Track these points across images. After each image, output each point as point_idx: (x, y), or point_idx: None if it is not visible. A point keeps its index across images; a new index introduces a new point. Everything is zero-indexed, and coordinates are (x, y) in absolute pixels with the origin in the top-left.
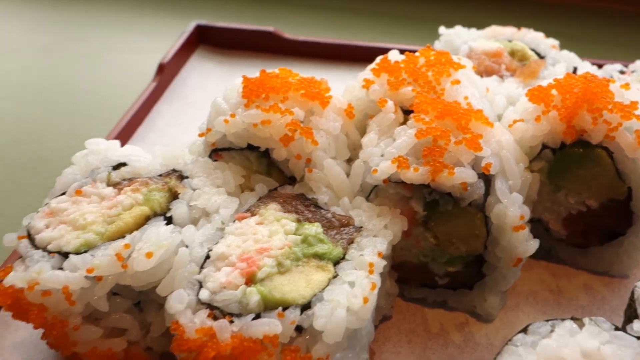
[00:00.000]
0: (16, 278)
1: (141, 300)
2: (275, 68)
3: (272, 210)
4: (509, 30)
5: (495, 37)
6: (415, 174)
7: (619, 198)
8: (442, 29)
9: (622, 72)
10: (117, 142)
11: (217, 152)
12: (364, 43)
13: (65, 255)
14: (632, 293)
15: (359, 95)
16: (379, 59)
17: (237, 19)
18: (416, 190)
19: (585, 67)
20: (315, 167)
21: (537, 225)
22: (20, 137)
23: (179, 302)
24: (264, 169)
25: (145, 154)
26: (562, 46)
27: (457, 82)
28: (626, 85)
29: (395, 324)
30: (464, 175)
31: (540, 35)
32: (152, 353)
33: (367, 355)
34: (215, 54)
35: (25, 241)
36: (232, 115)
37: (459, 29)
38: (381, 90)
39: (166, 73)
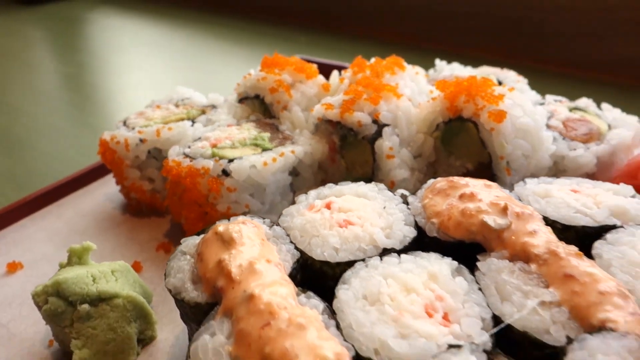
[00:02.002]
0: (106, 135)
1: None
2: None
3: (249, 125)
4: (494, 70)
5: (483, 73)
6: (331, 112)
7: (485, 162)
8: (437, 61)
9: (558, 101)
10: (191, 89)
11: (242, 100)
12: None
13: (133, 128)
14: None
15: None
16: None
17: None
18: (335, 127)
19: (531, 95)
20: (288, 110)
21: None
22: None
23: (173, 151)
24: (263, 111)
25: (202, 97)
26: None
27: (394, 73)
28: (511, 88)
29: None
30: (360, 116)
31: (513, 73)
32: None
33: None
34: None
35: (121, 123)
36: (249, 75)
37: (454, 64)
38: (348, 76)
39: None
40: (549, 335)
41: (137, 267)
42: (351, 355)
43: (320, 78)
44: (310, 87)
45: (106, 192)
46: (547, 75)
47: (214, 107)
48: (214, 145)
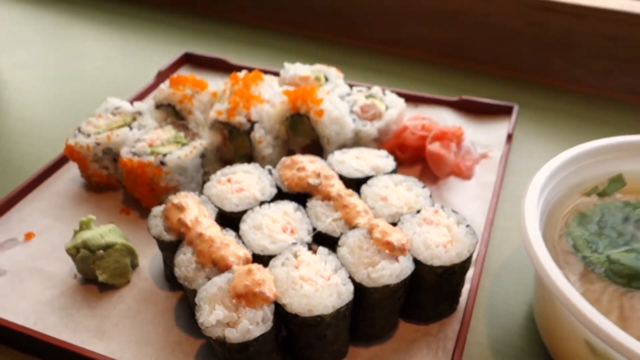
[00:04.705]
0: (71, 141)
1: (116, 158)
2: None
3: (169, 127)
4: (323, 67)
5: (316, 70)
6: (221, 117)
7: (315, 139)
8: (285, 64)
9: (360, 91)
10: (119, 100)
11: (158, 107)
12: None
13: (89, 135)
14: None
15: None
16: (241, 74)
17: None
18: (225, 126)
19: (344, 88)
20: (191, 114)
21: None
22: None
23: (124, 151)
24: (175, 114)
25: (129, 104)
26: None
27: (257, 84)
28: (328, 92)
29: None
30: (239, 119)
31: (334, 70)
32: (120, 185)
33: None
34: (194, 71)
35: (76, 130)
36: (162, 89)
37: (297, 64)
38: (228, 87)
39: (162, 76)
40: (335, 233)
41: None
42: (251, 254)
43: (210, 89)
44: (204, 96)
45: (69, 176)
46: (365, 49)
47: (140, 113)
48: (151, 145)
